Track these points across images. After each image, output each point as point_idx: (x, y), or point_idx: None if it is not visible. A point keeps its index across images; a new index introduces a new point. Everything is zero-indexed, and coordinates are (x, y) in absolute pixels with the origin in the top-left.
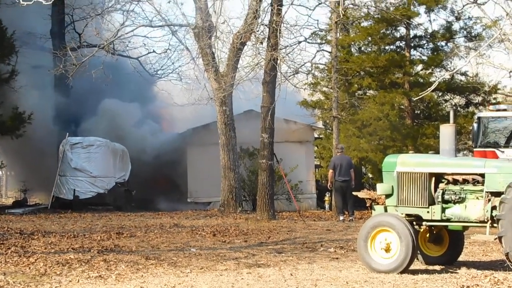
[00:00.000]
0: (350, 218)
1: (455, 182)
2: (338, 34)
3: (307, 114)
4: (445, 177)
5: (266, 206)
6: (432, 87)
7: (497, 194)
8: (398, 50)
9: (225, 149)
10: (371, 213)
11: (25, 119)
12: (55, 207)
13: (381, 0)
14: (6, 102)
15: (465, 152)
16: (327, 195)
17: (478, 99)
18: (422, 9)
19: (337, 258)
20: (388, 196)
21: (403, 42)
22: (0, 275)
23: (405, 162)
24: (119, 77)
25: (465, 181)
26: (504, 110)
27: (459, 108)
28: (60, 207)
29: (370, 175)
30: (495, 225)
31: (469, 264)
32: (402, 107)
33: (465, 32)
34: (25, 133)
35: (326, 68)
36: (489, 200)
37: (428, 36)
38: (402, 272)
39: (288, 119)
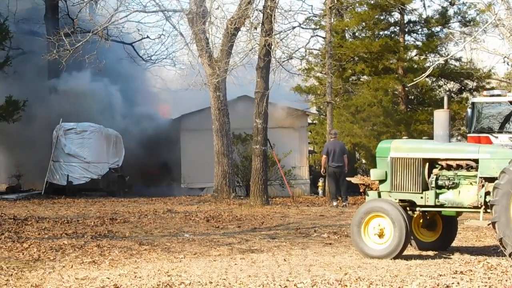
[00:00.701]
0: (344, 203)
1: (449, 167)
2: (332, 19)
3: (300, 99)
4: (439, 162)
5: (259, 192)
6: (427, 73)
7: (491, 179)
8: (392, 35)
9: (218, 135)
10: (365, 198)
11: (19, 105)
12: (49, 192)
13: None
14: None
15: (458, 138)
16: (321, 180)
17: (472, 84)
18: None
19: (330, 244)
20: (381, 181)
21: (397, 28)
22: None
23: (399, 148)
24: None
25: (458, 167)
26: (498, 95)
27: (453, 94)
28: (53, 192)
29: (364, 161)
30: (488, 210)
31: (463, 250)
32: (395, 92)
33: (459, 17)
34: (19, 119)
35: (320, 53)
36: (483, 185)
37: (423, 22)
38: (395, 258)
39: (281, 105)
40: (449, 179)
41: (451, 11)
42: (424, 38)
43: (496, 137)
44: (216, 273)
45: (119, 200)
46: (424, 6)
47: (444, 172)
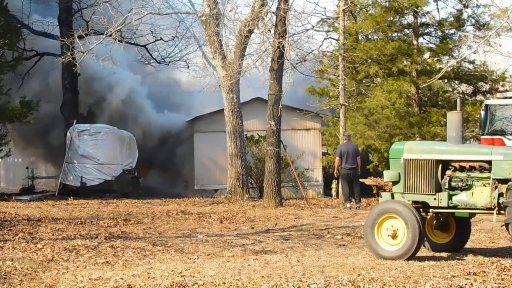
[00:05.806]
0: (357, 205)
1: (462, 169)
2: (345, 21)
3: (314, 101)
4: (452, 164)
5: (273, 193)
6: (440, 74)
7: (504, 181)
8: (405, 38)
9: (232, 137)
10: (378, 200)
11: (33, 106)
12: (63, 194)
13: None
14: (14, 89)
15: (471, 140)
16: (334, 182)
17: (486, 87)
18: None
19: (344, 245)
20: (395, 183)
21: (411, 30)
22: (8, 261)
23: (412, 149)
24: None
25: (472, 168)
26: None
27: (466, 96)
28: (67, 194)
29: (377, 163)
30: (501, 212)
31: (476, 251)
32: (409, 94)
33: (473, 20)
34: (34, 120)
35: (333, 55)
36: (496, 187)
37: (436, 24)
38: (408, 259)
39: (295, 106)
40: (462, 180)
41: (464, 14)
42: (437, 40)
43: (510, 139)
44: (230, 274)
45: (132, 201)
46: (437, 9)
47: (457, 173)
